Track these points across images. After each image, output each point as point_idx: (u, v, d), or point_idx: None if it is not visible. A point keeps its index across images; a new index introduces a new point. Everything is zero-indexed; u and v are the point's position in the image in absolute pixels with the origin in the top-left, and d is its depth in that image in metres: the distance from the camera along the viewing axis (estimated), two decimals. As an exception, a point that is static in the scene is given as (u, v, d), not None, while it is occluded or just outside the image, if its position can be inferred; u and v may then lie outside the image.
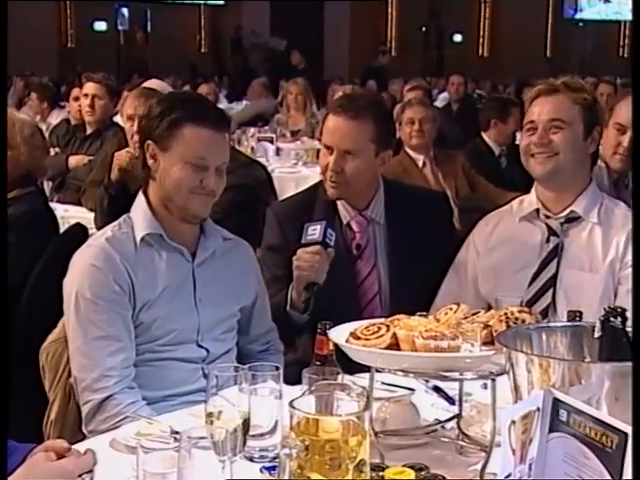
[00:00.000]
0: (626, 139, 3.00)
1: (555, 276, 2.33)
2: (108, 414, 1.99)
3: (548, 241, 2.36)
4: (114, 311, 2.03)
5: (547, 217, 2.38)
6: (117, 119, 4.97)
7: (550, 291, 2.32)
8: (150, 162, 2.09)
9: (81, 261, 2.08)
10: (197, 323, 2.12)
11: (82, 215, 3.87)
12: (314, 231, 2.25)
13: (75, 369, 2.05)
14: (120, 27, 16.90)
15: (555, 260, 2.34)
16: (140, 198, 2.15)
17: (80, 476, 1.39)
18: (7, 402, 1.70)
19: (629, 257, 2.29)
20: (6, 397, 1.84)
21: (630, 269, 2.28)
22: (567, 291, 2.31)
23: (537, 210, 2.39)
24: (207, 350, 2.13)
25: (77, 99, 5.61)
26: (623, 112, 3.03)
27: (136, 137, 3.57)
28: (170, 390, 2.09)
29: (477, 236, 2.47)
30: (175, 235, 2.12)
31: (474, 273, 2.44)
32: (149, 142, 2.08)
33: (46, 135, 5.12)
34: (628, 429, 1.14)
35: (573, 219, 2.36)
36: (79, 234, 2.95)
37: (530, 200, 2.41)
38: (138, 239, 2.09)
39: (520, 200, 2.45)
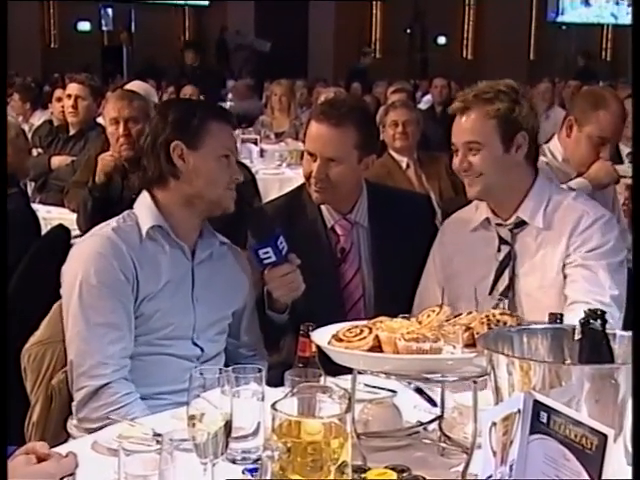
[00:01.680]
0: (605, 151, 3.04)
1: (510, 286, 2.30)
2: (103, 402, 2.00)
3: (499, 250, 2.33)
4: (117, 299, 2.05)
5: (498, 225, 2.34)
6: (100, 120, 4.95)
7: (506, 301, 2.30)
8: (179, 163, 2.12)
9: (86, 249, 2.11)
10: (193, 320, 2.14)
11: (64, 216, 3.86)
12: (267, 254, 2.16)
13: (72, 354, 2.05)
14: (104, 27, 16.84)
15: (508, 269, 2.30)
16: (144, 195, 2.18)
17: (62, 479, 1.38)
18: (7, 403, 1.69)
19: (573, 247, 2.24)
20: (6, 397, 1.83)
21: (575, 253, 2.24)
22: (526, 298, 2.28)
23: (488, 219, 2.36)
24: (202, 349, 2.15)
25: (60, 100, 5.58)
26: (603, 126, 3.05)
27: (122, 139, 3.60)
28: (164, 387, 2.09)
29: (437, 246, 2.46)
30: (178, 232, 2.16)
31: (440, 278, 2.41)
32: (177, 143, 2.11)
33: (28, 136, 5.11)
34: (608, 431, 1.15)
35: (520, 224, 2.31)
36: (61, 235, 2.94)
37: (482, 207, 2.37)
38: (144, 231, 2.12)
39: (476, 206, 2.40)
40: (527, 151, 2.29)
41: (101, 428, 1.87)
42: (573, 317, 2.02)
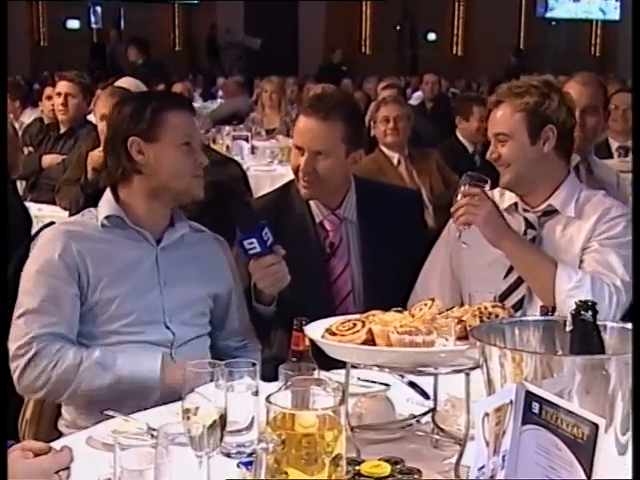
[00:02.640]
0: (575, 117, 3.09)
1: None
2: (37, 372, 2.01)
3: (525, 233, 2.39)
4: (53, 285, 2.06)
5: (525, 210, 2.41)
6: (91, 118, 4.94)
7: (525, 284, 2.35)
8: (138, 158, 2.12)
9: (38, 241, 2.16)
10: (161, 304, 2.14)
11: (56, 214, 3.84)
12: (251, 244, 2.16)
13: (8, 340, 2.07)
14: (93, 25, 16.79)
15: None
16: (106, 193, 2.19)
17: (57, 473, 1.39)
18: (7, 402, 1.69)
19: (596, 233, 2.31)
20: (6, 397, 1.84)
21: (595, 241, 2.30)
22: None
23: (516, 203, 2.42)
24: (173, 333, 2.15)
25: (50, 98, 5.56)
26: (569, 94, 3.12)
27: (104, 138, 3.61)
28: None
29: (453, 227, 2.49)
30: (141, 222, 2.16)
31: (451, 263, 2.46)
32: (133, 138, 2.11)
33: (19, 134, 5.09)
34: (599, 420, 1.16)
35: (550, 212, 2.38)
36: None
37: (511, 193, 2.44)
38: (100, 220, 2.14)
39: (501, 192, 2.47)
40: (556, 144, 2.36)
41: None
42: (568, 272, 2.17)
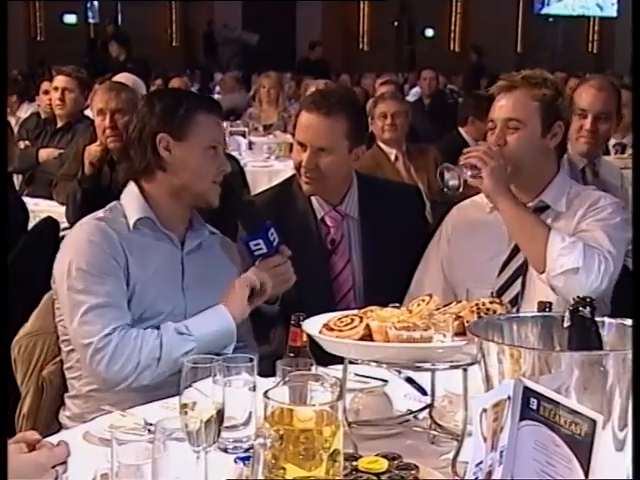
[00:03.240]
0: (587, 123, 3.12)
1: (523, 264, 2.36)
2: (124, 358, 1.99)
3: None
4: (111, 281, 2.04)
5: None
6: (88, 112, 4.93)
7: (519, 279, 2.35)
8: (165, 154, 2.12)
9: (76, 237, 2.11)
10: (184, 309, 2.14)
11: (53, 209, 3.85)
12: (257, 245, 2.16)
13: (80, 338, 2.02)
14: (90, 20, 16.75)
15: None
16: (131, 187, 2.17)
17: (53, 467, 1.39)
18: (7, 402, 1.69)
19: (583, 219, 2.31)
20: (6, 397, 1.83)
21: (583, 224, 2.31)
22: (538, 279, 2.33)
23: None
24: None
25: (47, 92, 5.56)
26: (583, 97, 3.16)
27: (109, 131, 3.61)
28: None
29: (449, 225, 2.50)
30: (167, 223, 2.16)
31: (444, 261, 2.47)
32: (162, 135, 2.11)
33: (15, 129, 5.09)
34: (597, 417, 1.16)
35: (542, 208, 2.38)
36: (50, 227, 2.94)
37: None
38: (131, 222, 2.12)
39: None
40: (559, 142, 2.37)
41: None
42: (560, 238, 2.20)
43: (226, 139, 5.96)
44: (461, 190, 2.31)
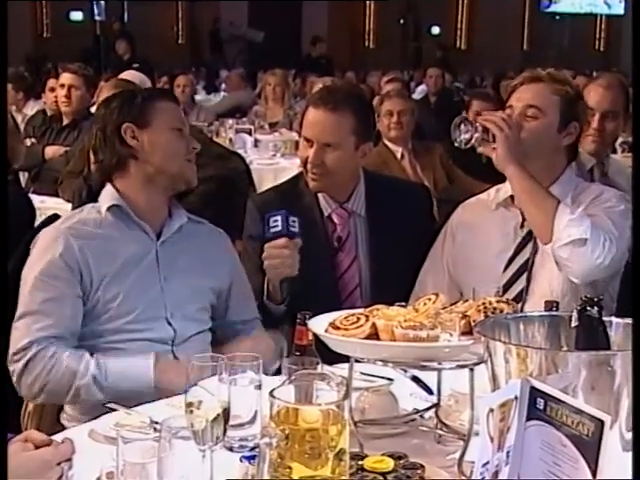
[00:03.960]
0: (595, 121, 3.12)
1: (528, 261, 2.36)
2: (33, 376, 2.01)
3: (522, 226, 2.39)
4: (53, 287, 2.06)
5: None
6: (94, 110, 4.93)
7: (524, 275, 2.35)
8: (133, 143, 2.14)
9: (37, 243, 2.15)
10: (163, 300, 2.14)
11: (59, 206, 3.84)
12: (276, 222, 2.22)
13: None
14: (97, 17, 16.75)
15: (530, 245, 2.37)
16: (107, 187, 2.20)
17: (59, 465, 1.39)
18: (7, 402, 1.69)
19: (590, 204, 2.31)
20: (6, 397, 1.83)
21: (587, 210, 2.29)
22: (546, 275, 2.33)
23: (512, 197, 2.41)
24: (175, 330, 2.14)
25: (53, 90, 5.56)
26: (590, 97, 3.16)
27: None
28: None
29: (454, 223, 2.50)
30: (141, 214, 2.17)
31: (449, 260, 2.46)
32: (126, 125, 2.13)
33: (21, 126, 5.09)
34: (604, 417, 1.16)
35: None
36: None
37: (506, 188, 2.43)
38: (103, 211, 2.15)
39: (497, 188, 2.47)
40: (572, 142, 2.37)
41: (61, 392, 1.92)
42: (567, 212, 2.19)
43: (232, 136, 6.02)
44: (468, 146, 2.32)
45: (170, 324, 2.14)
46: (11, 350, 2.05)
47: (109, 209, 2.15)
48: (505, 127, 2.26)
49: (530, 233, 2.37)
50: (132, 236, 2.15)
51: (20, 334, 2.04)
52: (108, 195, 2.18)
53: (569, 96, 2.35)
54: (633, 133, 2.81)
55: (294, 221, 2.22)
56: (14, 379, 2.04)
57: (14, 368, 2.03)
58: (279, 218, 2.21)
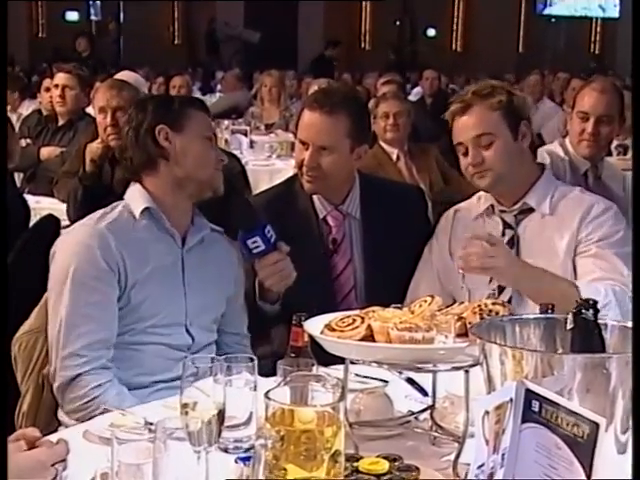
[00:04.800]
0: (589, 125, 3.12)
1: None
2: (74, 395, 2.01)
3: (504, 234, 2.38)
4: (99, 291, 2.05)
5: (502, 211, 2.41)
6: (90, 110, 4.93)
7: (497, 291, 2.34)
8: (165, 144, 2.14)
9: (72, 240, 2.12)
10: (184, 307, 2.15)
11: (54, 206, 3.84)
12: (255, 243, 2.15)
13: (52, 347, 2.06)
14: (93, 17, 16.74)
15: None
16: (135, 185, 2.19)
17: (53, 466, 1.38)
18: (7, 401, 1.68)
19: (584, 234, 2.31)
20: (6, 396, 1.83)
21: (586, 241, 2.30)
22: None
23: (492, 206, 2.42)
24: (193, 338, 2.15)
25: (48, 90, 5.55)
26: (585, 101, 3.17)
27: (110, 129, 3.61)
28: (154, 377, 2.10)
29: (439, 233, 2.50)
30: (170, 218, 2.16)
31: (439, 267, 2.46)
32: (161, 126, 2.14)
33: (17, 125, 5.08)
34: (600, 420, 1.16)
35: (526, 210, 2.39)
36: (51, 225, 2.93)
37: (486, 196, 2.44)
38: (137, 213, 2.13)
39: (478, 197, 2.48)
40: (530, 140, 2.37)
41: (89, 418, 1.87)
42: (593, 291, 2.09)
43: (228, 137, 6.01)
44: None
45: (189, 332, 2.15)
46: (61, 354, 2.03)
47: (142, 211, 2.13)
48: (491, 262, 2.10)
49: (512, 240, 2.37)
50: (162, 241, 2.15)
51: (67, 339, 2.02)
52: (140, 196, 2.15)
53: (504, 104, 2.32)
54: (633, 134, 2.81)
55: (269, 230, 2.15)
56: (56, 384, 2.04)
57: (63, 375, 2.02)
58: (257, 239, 2.14)
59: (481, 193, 2.46)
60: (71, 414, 2.04)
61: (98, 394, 2.00)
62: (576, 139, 3.18)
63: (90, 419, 1.87)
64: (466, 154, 2.35)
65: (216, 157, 2.20)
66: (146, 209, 2.14)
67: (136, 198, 2.16)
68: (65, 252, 2.09)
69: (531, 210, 2.38)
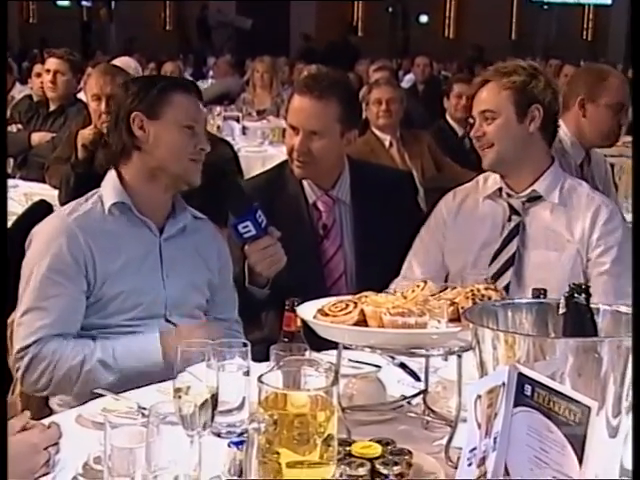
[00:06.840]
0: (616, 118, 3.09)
1: (515, 255, 2.35)
2: (38, 372, 2.00)
3: (510, 220, 2.39)
4: (61, 285, 2.03)
5: (509, 196, 2.41)
6: (81, 96, 4.90)
7: (510, 270, 2.35)
8: (139, 133, 2.09)
9: (45, 230, 2.10)
10: (164, 297, 2.13)
11: (46, 192, 3.83)
12: (246, 228, 2.15)
13: (14, 338, 2.06)
14: (84, 3, 16.65)
15: (516, 239, 2.37)
16: (110, 173, 2.15)
17: (45, 449, 1.38)
18: (6, 400, 1.68)
19: (595, 237, 2.33)
20: (6, 395, 1.82)
21: (599, 249, 2.31)
22: (534, 270, 2.33)
23: (500, 189, 2.42)
24: (175, 326, 2.13)
25: (39, 75, 5.52)
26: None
27: (104, 116, 3.58)
28: None
29: (444, 207, 2.50)
30: (145, 209, 2.13)
31: (441, 241, 2.46)
32: (136, 113, 2.09)
33: (7, 110, 5.05)
34: (591, 403, 1.16)
35: (534, 198, 2.38)
36: (43, 210, 2.92)
37: (495, 178, 2.44)
38: (107, 207, 2.10)
39: (485, 177, 2.47)
40: (541, 125, 2.35)
41: (84, 402, 1.87)
42: None
43: (220, 124, 5.99)
44: None
45: (169, 321, 2.13)
46: (16, 346, 2.03)
47: (114, 205, 2.11)
48: None
49: (517, 227, 2.37)
50: (136, 232, 2.12)
51: (25, 331, 2.01)
52: (112, 188, 2.12)
53: (518, 85, 2.33)
54: (633, 132, 2.80)
55: (260, 215, 2.15)
56: (18, 375, 2.03)
57: (19, 365, 2.01)
58: (248, 223, 2.14)
59: (489, 174, 2.45)
60: (42, 391, 2.04)
61: (58, 356, 1.98)
62: (614, 132, 3.13)
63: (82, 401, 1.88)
64: (474, 127, 2.40)
65: (194, 147, 2.11)
66: (115, 204, 2.10)
67: (108, 190, 2.13)
68: (37, 242, 2.08)
69: (540, 198, 2.38)
